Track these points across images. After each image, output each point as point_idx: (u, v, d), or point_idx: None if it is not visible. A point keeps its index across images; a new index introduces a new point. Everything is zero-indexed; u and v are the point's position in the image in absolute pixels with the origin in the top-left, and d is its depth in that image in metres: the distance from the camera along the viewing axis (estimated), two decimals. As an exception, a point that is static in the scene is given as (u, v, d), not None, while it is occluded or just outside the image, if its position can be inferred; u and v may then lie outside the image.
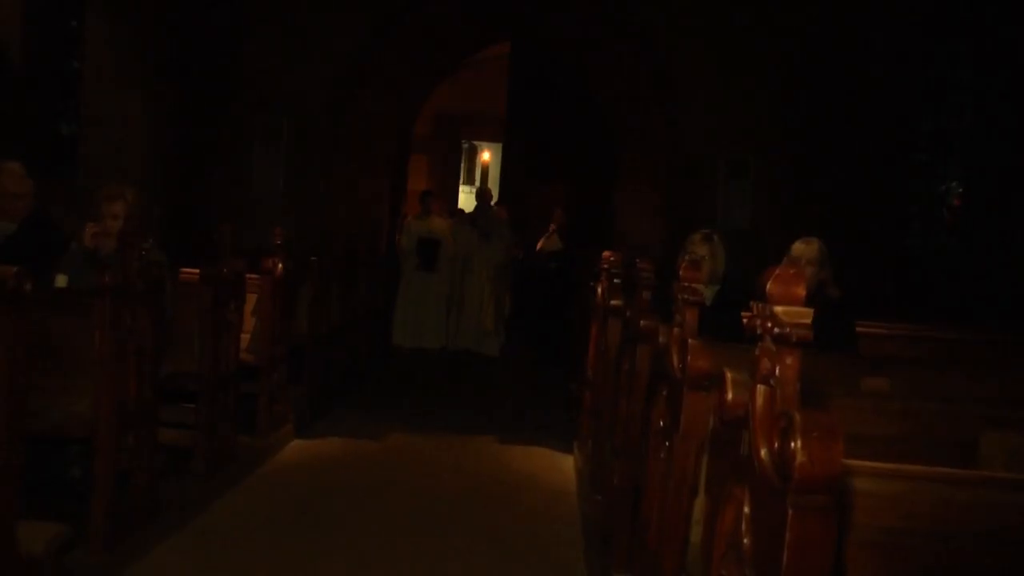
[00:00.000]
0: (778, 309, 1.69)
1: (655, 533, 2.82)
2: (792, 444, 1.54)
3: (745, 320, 1.79)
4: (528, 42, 11.68)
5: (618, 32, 9.00)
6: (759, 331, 1.74)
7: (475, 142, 18.12)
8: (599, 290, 5.32)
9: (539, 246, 10.67)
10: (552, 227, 10.80)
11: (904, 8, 8.05)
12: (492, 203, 10.67)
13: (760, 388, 1.74)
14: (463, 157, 18.09)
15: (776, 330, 1.69)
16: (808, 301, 1.74)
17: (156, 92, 7.45)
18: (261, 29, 8.53)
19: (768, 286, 1.71)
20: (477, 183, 17.49)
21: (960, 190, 8.68)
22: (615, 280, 5.02)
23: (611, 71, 9.88)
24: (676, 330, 2.87)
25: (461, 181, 17.96)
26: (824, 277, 4.22)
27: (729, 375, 1.99)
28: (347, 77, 8.89)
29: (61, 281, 4.13)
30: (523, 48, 12.45)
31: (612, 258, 5.30)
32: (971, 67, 8.16)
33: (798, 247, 4.25)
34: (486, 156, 17.99)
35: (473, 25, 10.00)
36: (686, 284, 2.92)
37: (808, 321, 1.68)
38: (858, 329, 4.36)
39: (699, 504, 2.49)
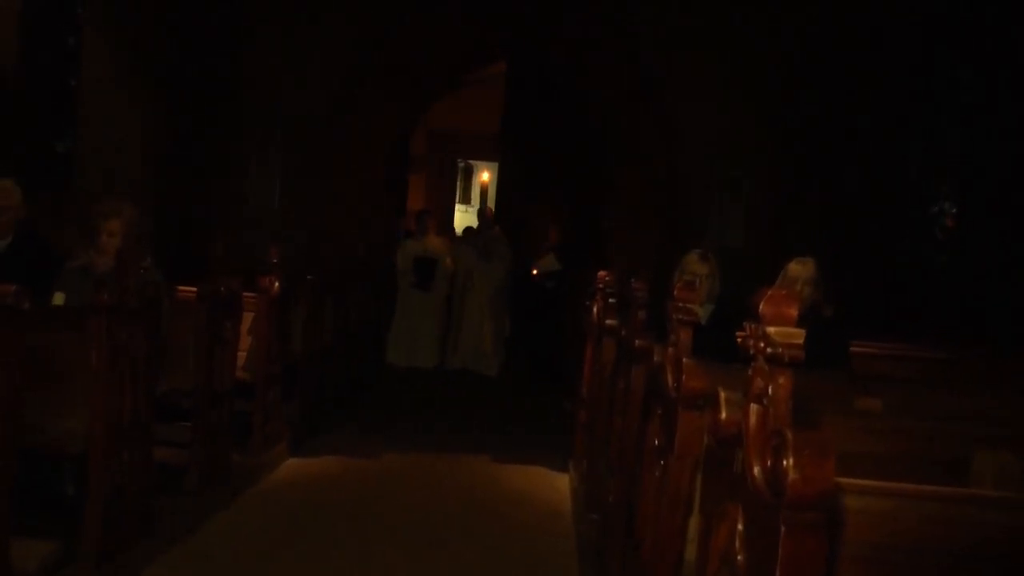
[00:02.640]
0: (771, 329, 1.72)
1: (649, 550, 2.83)
2: (785, 462, 1.56)
3: (739, 340, 1.81)
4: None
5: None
6: (752, 351, 1.77)
7: (472, 161, 18.11)
8: (594, 309, 5.34)
9: (535, 268, 10.62)
10: (546, 246, 10.79)
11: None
12: (490, 221, 10.67)
13: (753, 407, 1.76)
14: (459, 176, 18.09)
15: (769, 350, 1.72)
16: (802, 320, 1.77)
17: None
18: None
19: (761, 307, 1.74)
20: (473, 202, 17.52)
21: (953, 210, 8.67)
22: (610, 300, 5.04)
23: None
24: (671, 350, 2.89)
25: (457, 200, 17.96)
26: (818, 296, 4.26)
27: (723, 394, 2.02)
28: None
29: (58, 299, 4.14)
30: (520, 60, 12.46)
31: (607, 277, 5.32)
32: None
33: (794, 267, 4.28)
34: (485, 176, 17.97)
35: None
36: (680, 304, 2.94)
37: (800, 342, 1.71)
38: (852, 348, 4.39)
39: (693, 522, 2.51)
